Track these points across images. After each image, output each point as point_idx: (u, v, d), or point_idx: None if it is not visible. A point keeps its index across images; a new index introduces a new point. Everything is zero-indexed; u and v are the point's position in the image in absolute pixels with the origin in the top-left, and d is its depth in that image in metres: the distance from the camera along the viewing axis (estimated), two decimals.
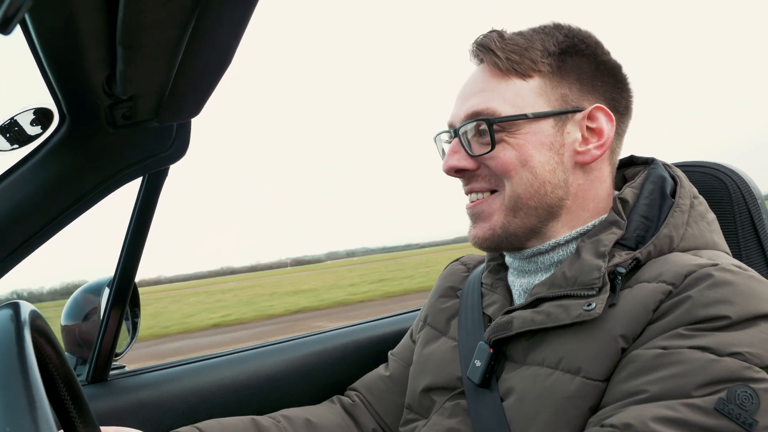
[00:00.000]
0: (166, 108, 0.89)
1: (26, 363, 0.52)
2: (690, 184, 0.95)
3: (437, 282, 1.22)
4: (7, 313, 0.57)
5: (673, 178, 0.95)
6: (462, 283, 1.16)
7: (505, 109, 0.90)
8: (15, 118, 0.83)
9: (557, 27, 0.95)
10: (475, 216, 0.97)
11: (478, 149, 0.93)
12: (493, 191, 0.94)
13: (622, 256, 0.85)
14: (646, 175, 0.96)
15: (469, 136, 0.94)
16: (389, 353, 1.24)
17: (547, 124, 0.91)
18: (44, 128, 0.86)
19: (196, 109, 0.93)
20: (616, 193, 0.95)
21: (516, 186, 0.91)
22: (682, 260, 0.81)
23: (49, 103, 0.85)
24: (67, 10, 0.61)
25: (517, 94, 0.91)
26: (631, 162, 1.04)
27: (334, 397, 1.22)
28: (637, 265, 0.85)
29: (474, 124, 0.92)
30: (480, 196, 0.96)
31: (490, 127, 0.90)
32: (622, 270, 0.83)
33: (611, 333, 0.78)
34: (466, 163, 0.94)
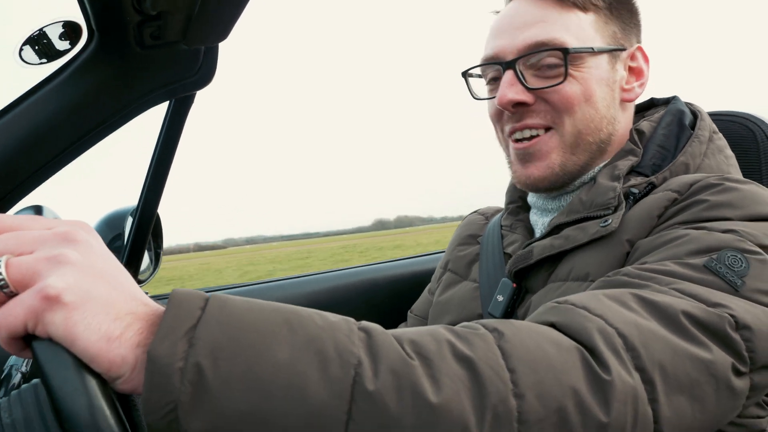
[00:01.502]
0: (194, 29, 0.88)
1: None
2: (710, 120, 0.95)
3: (455, 232, 1.22)
4: None
5: (693, 113, 0.95)
6: (482, 230, 1.16)
7: (570, 41, 0.87)
8: (44, 29, 0.82)
9: None
10: (529, 155, 0.92)
11: (537, 82, 0.89)
12: (548, 128, 0.90)
13: (638, 180, 0.86)
14: (665, 110, 0.96)
15: (526, 68, 0.90)
16: (408, 312, 1.24)
17: (604, 60, 0.90)
18: (73, 44, 0.86)
19: (223, 32, 0.92)
20: (633, 125, 0.96)
21: (577, 122, 0.89)
22: (689, 175, 0.83)
23: (78, 18, 0.84)
24: None
25: (579, 26, 0.89)
26: (651, 105, 1.05)
27: None
28: (651, 190, 0.85)
29: (543, 54, 0.88)
30: (534, 132, 0.91)
31: (566, 58, 0.86)
32: (635, 191, 0.84)
33: (619, 239, 0.79)
34: (525, 96, 0.89)
